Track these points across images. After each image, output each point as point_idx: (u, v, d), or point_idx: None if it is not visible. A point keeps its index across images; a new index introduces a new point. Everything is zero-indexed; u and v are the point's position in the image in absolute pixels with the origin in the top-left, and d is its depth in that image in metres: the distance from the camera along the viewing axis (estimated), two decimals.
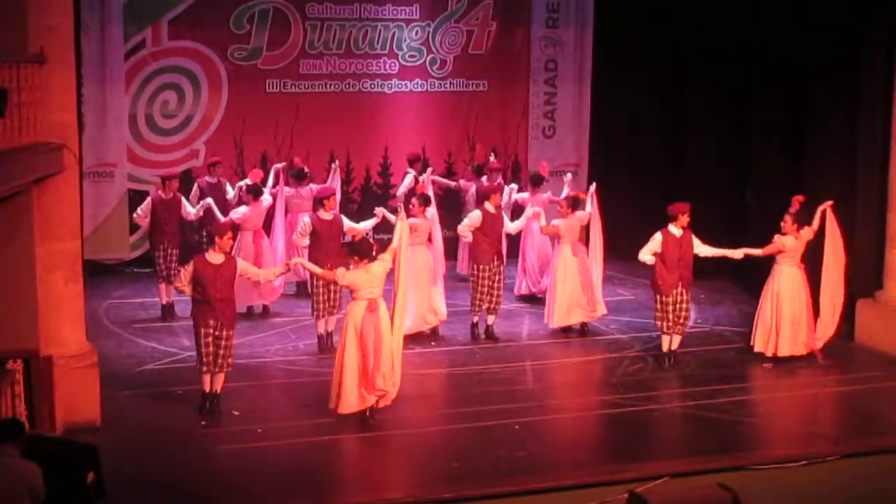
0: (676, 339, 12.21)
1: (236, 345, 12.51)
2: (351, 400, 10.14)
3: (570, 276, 13.12)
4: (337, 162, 15.38)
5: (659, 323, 12.17)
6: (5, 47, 9.26)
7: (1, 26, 9.36)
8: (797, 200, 12.25)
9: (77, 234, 10.14)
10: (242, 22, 16.40)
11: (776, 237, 12.13)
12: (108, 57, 15.81)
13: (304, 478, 9.37)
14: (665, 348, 12.20)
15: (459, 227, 13.20)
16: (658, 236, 11.99)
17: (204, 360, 10.41)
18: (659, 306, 12.13)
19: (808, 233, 12.15)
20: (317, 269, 11.04)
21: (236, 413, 10.51)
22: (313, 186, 14.91)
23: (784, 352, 12.15)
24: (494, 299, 13.01)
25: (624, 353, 12.66)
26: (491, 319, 13.12)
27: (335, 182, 14.83)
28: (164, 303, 13.79)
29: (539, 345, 13.02)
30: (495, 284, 12.97)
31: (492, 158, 16.07)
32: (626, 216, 16.23)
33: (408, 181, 15.39)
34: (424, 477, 9.35)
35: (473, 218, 13.04)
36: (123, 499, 8.60)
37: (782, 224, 12.15)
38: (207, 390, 10.54)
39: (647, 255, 12.05)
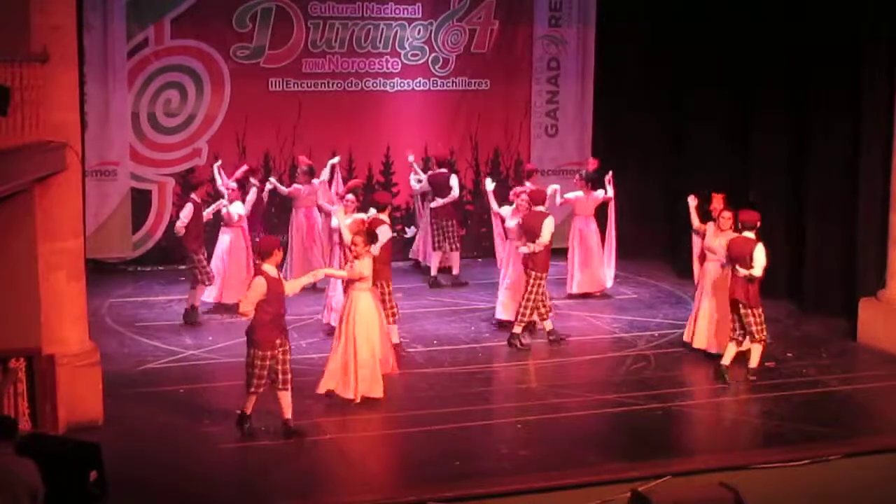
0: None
1: (237, 343, 12.56)
2: (379, 383, 10.67)
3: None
4: (338, 158, 15.24)
5: (761, 335, 11.49)
6: (8, 46, 9.26)
7: (3, 25, 9.37)
8: (721, 197, 12.27)
9: (79, 232, 10.16)
10: (245, 21, 16.40)
11: (729, 240, 11.84)
12: (111, 55, 15.81)
13: (305, 477, 9.37)
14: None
15: (543, 239, 12.48)
16: (762, 247, 11.42)
17: (262, 382, 9.80)
18: (760, 319, 11.44)
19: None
20: (343, 273, 10.97)
21: (239, 412, 10.50)
22: (315, 182, 14.96)
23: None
24: (549, 302, 12.92)
25: (627, 352, 12.65)
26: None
27: (337, 180, 14.78)
28: (196, 305, 13.63)
29: (541, 343, 12.99)
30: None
31: (411, 159, 16.06)
32: (629, 215, 16.24)
33: (455, 182, 15.63)
34: (426, 476, 9.33)
35: (551, 226, 12.66)
36: (126, 497, 8.62)
37: (725, 221, 12.00)
38: (249, 412, 9.96)
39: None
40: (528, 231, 12.64)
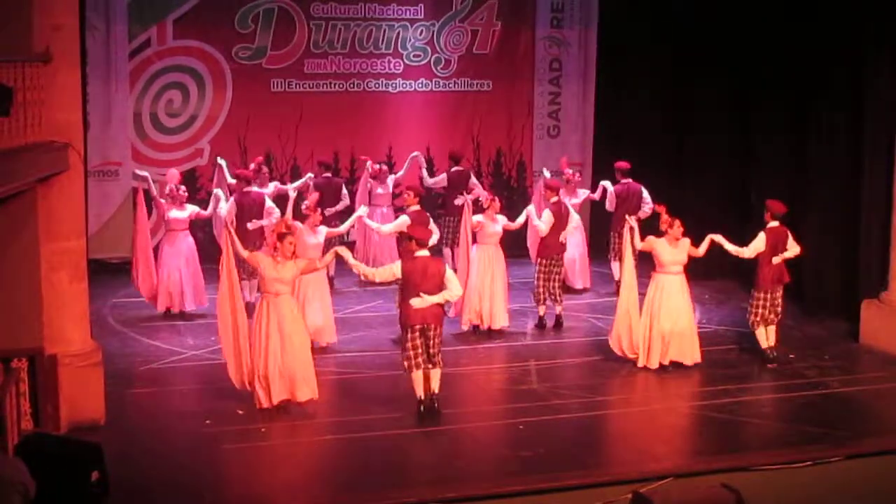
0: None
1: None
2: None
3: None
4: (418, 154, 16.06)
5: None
6: (11, 46, 9.28)
7: (7, 25, 9.38)
8: (665, 208, 12.15)
9: (82, 232, 10.16)
10: (247, 21, 16.42)
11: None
12: (113, 56, 15.83)
13: (306, 477, 9.39)
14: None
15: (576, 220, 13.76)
16: None
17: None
18: None
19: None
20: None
21: (240, 412, 10.52)
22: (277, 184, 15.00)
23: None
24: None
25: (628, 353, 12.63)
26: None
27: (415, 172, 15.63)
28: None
29: (543, 344, 13.01)
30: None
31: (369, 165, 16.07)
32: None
33: (476, 181, 15.88)
34: (428, 476, 9.34)
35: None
36: (127, 497, 8.62)
37: (678, 229, 11.91)
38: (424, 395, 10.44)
39: None
40: (564, 218, 13.47)
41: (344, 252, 10.42)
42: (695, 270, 12.43)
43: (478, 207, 13.31)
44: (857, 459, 9.75)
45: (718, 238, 12.11)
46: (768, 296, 12.15)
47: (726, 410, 10.90)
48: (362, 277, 10.96)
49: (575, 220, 13.87)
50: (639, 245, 12.19)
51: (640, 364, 11.95)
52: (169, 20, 16.12)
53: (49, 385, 9.55)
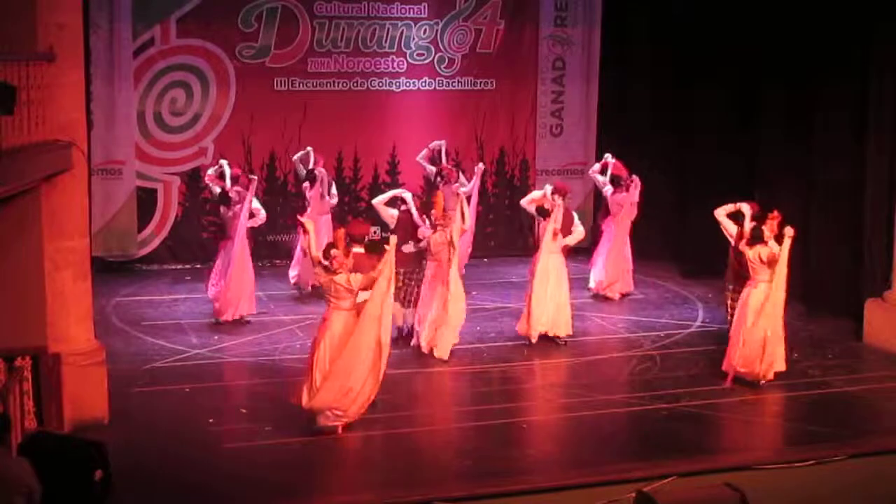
0: None
1: (242, 343, 12.59)
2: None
3: None
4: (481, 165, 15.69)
5: None
6: (15, 45, 9.28)
7: (11, 24, 9.38)
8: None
9: (85, 231, 10.17)
10: (251, 20, 16.42)
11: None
12: (117, 55, 15.83)
13: (311, 476, 9.38)
14: None
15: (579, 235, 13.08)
16: None
17: None
18: None
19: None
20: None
21: (244, 411, 10.52)
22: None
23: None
24: None
25: (633, 353, 12.64)
26: None
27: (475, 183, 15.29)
28: None
29: (547, 343, 12.99)
30: None
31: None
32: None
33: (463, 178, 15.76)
34: (434, 475, 9.34)
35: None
36: (130, 496, 8.62)
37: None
38: None
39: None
40: (567, 225, 12.93)
41: (308, 224, 10.26)
42: (694, 269, 12.42)
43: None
44: (861, 459, 9.74)
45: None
46: (734, 287, 11.95)
47: (730, 409, 10.89)
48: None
49: (579, 231, 12.95)
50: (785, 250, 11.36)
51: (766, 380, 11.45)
52: (172, 19, 16.12)
53: (53, 384, 9.55)
